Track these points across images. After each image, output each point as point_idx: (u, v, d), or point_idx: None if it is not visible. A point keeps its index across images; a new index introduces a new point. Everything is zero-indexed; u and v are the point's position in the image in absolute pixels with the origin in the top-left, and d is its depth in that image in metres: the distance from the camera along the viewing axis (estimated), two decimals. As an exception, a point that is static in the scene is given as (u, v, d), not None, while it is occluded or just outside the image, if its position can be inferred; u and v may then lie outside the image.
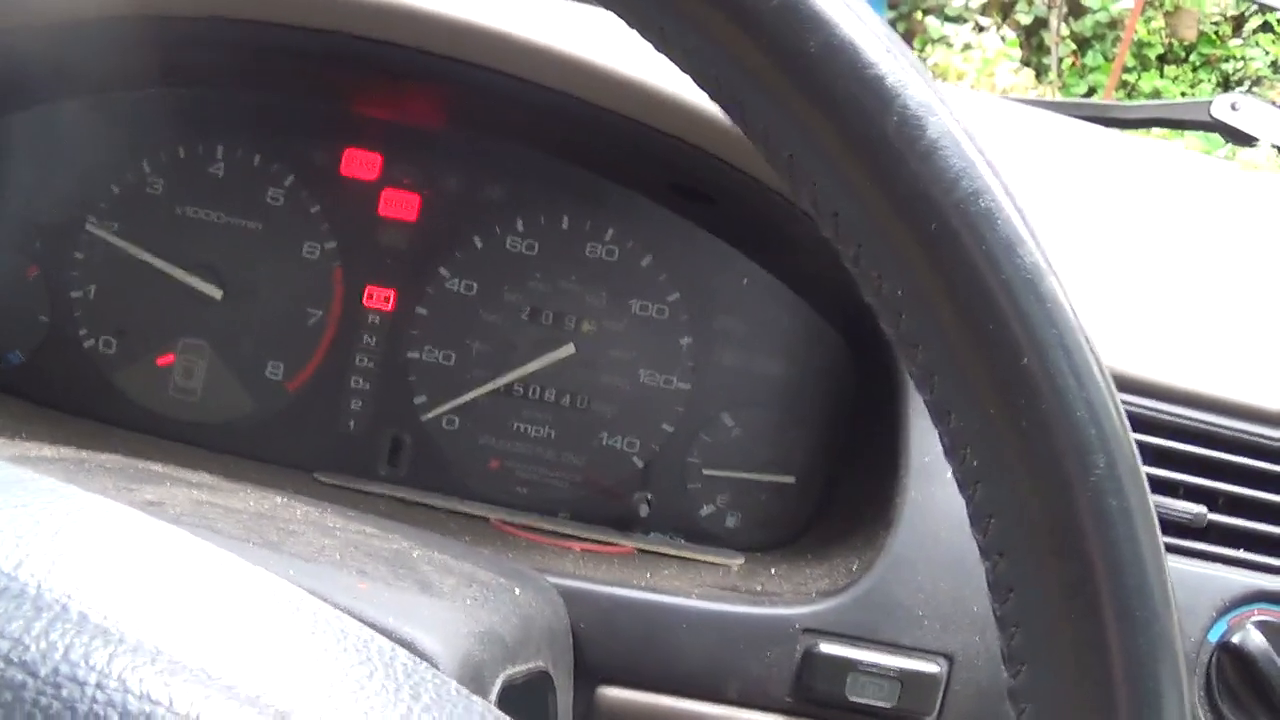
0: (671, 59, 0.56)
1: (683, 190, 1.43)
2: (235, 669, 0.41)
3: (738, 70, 0.53)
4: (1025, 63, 9.46)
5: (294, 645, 0.44)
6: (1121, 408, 0.53)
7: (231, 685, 0.40)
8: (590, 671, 1.20)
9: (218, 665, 0.41)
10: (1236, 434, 1.30)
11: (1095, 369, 0.52)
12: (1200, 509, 1.27)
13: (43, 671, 0.38)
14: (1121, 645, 0.52)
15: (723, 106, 0.56)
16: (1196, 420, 1.29)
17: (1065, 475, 0.51)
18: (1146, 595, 0.52)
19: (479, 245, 1.50)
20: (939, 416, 0.55)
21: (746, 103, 0.54)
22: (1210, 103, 2.04)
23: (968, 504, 0.55)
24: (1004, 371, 0.52)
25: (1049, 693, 0.53)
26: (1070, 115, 1.91)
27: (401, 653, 0.47)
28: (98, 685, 0.38)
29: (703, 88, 0.56)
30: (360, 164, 1.51)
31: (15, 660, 0.38)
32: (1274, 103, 1.97)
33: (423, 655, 0.81)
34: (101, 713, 0.38)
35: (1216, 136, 2.11)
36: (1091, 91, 9.82)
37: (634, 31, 0.56)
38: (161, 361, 1.51)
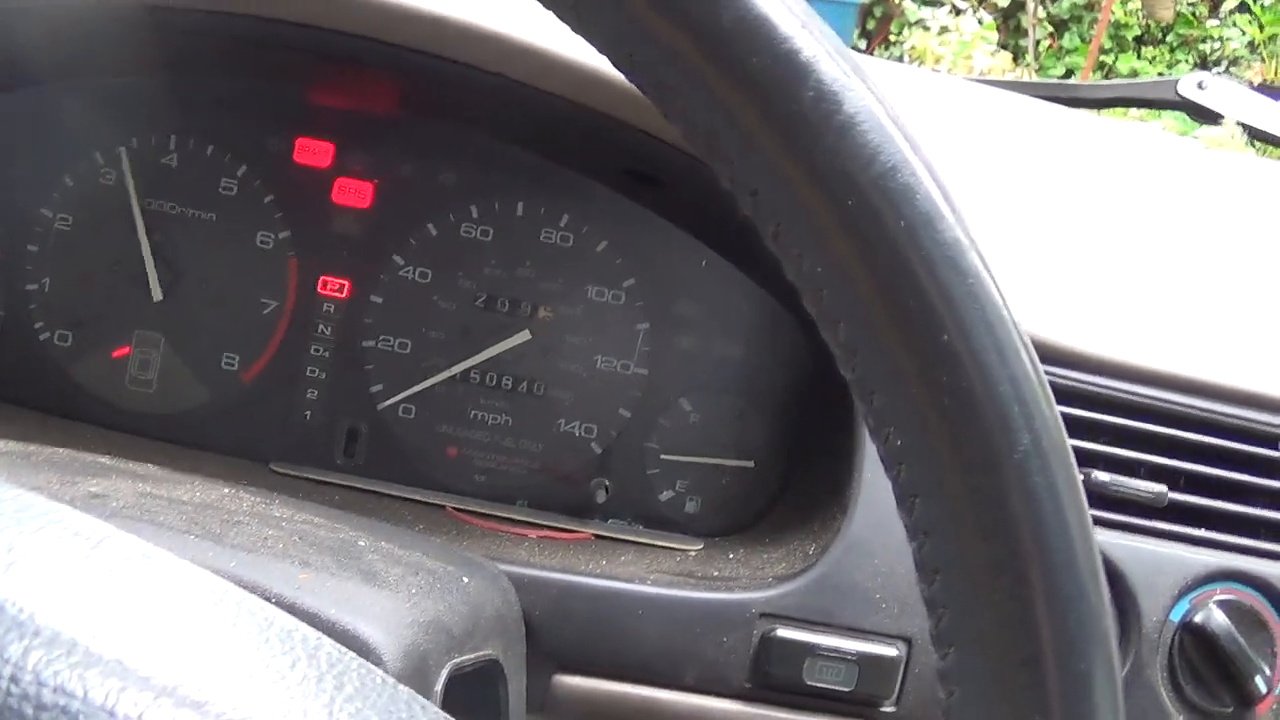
0: (587, 38, 0.55)
1: (635, 175, 1.43)
2: (152, 661, 0.40)
3: (652, 47, 0.52)
4: (1003, 45, 9.47)
5: (213, 636, 0.44)
6: (1046, 383, 0.52)
7: (147, 677, 0.39)
8: (545, 659, 1.20)
9: (134, 657, 0.40)
10: (1197, 412, 1.30)
11: (1018, 344, 0.52)
12: (1161, 488, 1.27)
13: None
14: (1050, 624, 0.51)
15: (639, 86, 0.55)
16: (1156, 399, 1.29)
17: (989, 453, 0.51)
18: (1074, 572, 0.51)
19: (433, 232, 1.49)
20: (863, 396, 0.54)
21: (663, 81, 0.53)
22: (1177, 81, 2.04)
23: (893, 484, 0.55)
24: (925, 348, 0.51)
25: (977, 675, 0.53)
26: (1037, 96, 1.91)
27: (327, 642, 0.47)
28: (12, 679, 0.38)
29: (619, 68, 0.55)
30: (313, 152, 1.50)
31: (-74, 654, 0.37)
32: (1250, 83, 1.97)
33: (363, 645, 0.81)
34: (16, 705, 0.37)
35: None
36: (1069, 73, 9.84)
37: (548, 10, 0.55)
38: (117, 354, 1.50)
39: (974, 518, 0.51)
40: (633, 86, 0.55)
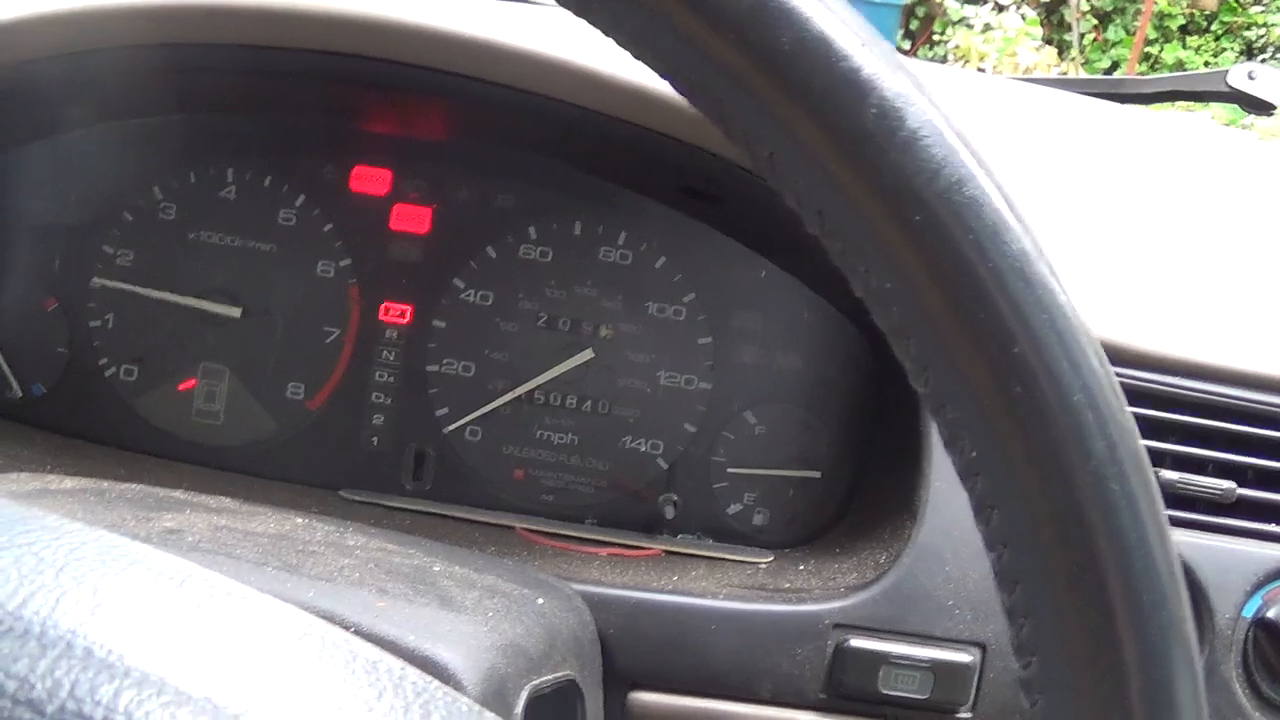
0: (645, 61, 0.55)
1: (692, 191, 1.43)
2: (242, 698, 0.40)
3: (712, 70, 0.52)
4: (1047, 40, 9.44)
5: (300, 670, 0.44)
6: (1119, 390, 0.52)
7: (238, 715, 0.40)
8: (621, 677, 1.20)
9: (224, 695, 0.40)
10: (1263, 407, 1.29)
11: (1090, 352, 0.52)
12: (1229, 484, 1.26)
13: (49, 709, 0.38)
14: (1131, 632, 0.51)
15: (700, 108, 0.55)
16: (1223, 395, 1.28)
17: (1064, 462, 0.51)
18: (1154, 579, 0.51)
19: (492, 255, 1.50)
20: (935, 409, 0.54)
21: (724, 103, 0.54)
22: (1227, 72, 2.02)
23: (970, 496, 0.55)
24: (996, 360, 0.51)
25: (1061, 683, 0.53)
26: (1086, 93, 1.90)
27: (412, 671, 0.47)
28: None
29: (679, 90, 0.55)
30: (370, 180, 1.51)
31: (22, 699, 0.38)
32: (1296, 70, 1.95)
33: (443, 671, 0.81)
34: None
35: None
36: (1114, 66, 9.80)
37: (605, 35, 0.56)
38: (183, 386, 1.52)
39: (1052, 527, 0.51)
40: (687, 105, 0.56)
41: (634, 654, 1.20)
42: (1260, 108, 2.02)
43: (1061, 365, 0.51)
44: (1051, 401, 0.51)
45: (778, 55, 0.51)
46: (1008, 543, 0.53)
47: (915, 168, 0.51)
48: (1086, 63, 9.82)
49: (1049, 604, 0.52)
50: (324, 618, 0.48)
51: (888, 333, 0.54)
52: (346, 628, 0.80)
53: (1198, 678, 0.52)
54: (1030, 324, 0.51)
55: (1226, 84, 2.02)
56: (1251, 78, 2.00)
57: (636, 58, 0.56)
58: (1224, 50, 10.10)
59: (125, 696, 0.39)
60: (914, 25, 9.62)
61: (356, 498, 1.45)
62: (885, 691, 1.19)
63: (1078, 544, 0.51)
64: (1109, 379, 0.52)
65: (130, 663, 0.40)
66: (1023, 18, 9.09)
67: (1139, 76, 2.49)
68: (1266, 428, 1.29)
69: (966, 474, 0.54)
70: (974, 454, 0.53)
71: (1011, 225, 0.51)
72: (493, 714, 0.47)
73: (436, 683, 0.47)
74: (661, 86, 0.56)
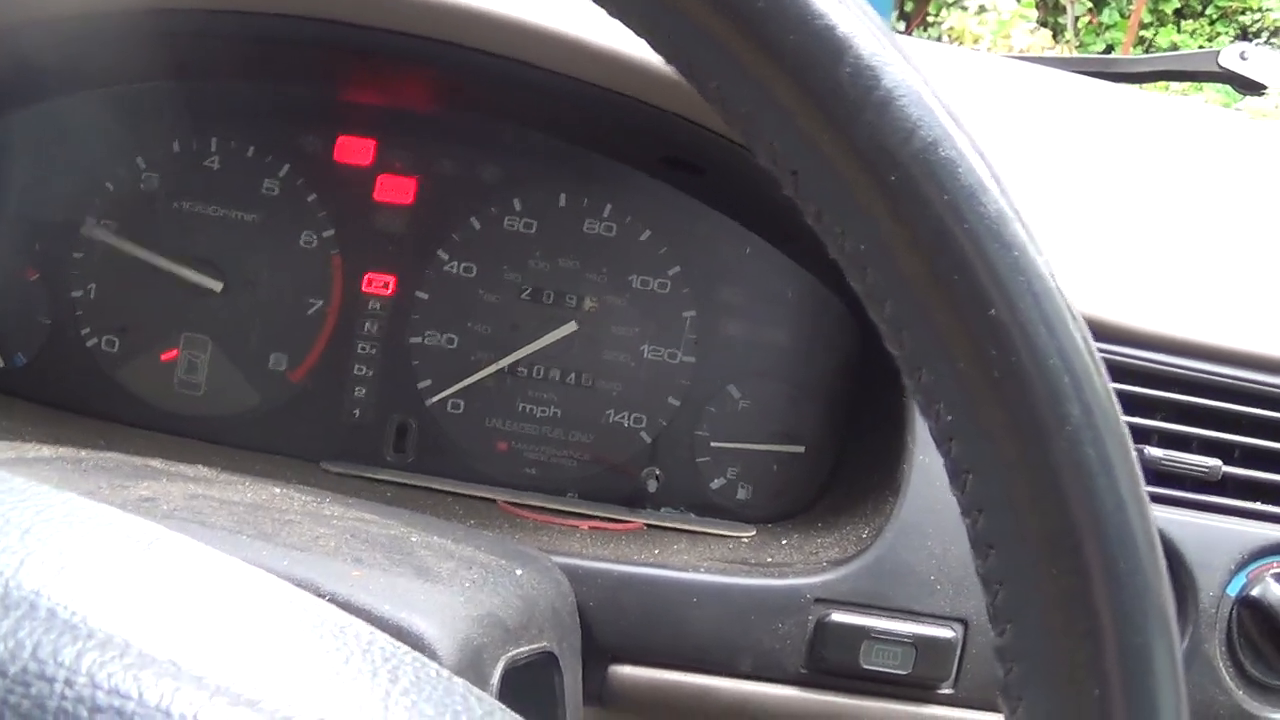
0: (620, 20, 0.55)
1: (675, 162, 1.42)
2: (204, 660, 0.40)
3: (688, 29, 0.52)
4: (1042, 23, 9.43)
5: (266, 634, 0.44)
6: (1097, 354, 0.52)
7: (200, 676, 0.40)
8: (601, 650, 1.20)
9: (187, 657, 0.40)
10: (1251, 385, 1.29)
11: (1067, 315, 0.51)
12: (1215, 462, 1.26)
13: (12, 670, 0.38)
14: (1107, 599, 0.50)
15: (677, 68, 0.55)
16: (1209, 373, 1.28)
17: (1040, 426, 0.50)
18: (1130, 546, 0.51)
19: (477, 226, 1.49)
20: (911, 372, 0.53)
21: (699, 63, 0.53)
22: (1219, 53, 2.02)
23: (945, 461, 0.54)
24: (972, 322, 0.50)
25: (1035, 650, 0.52)
26: (1078, 72, 1.89)
27: (380, 637, 0.47)
28: (66, 682, 0.38)
29: (657, 50, 0.55)
30: (354, 150, 1.50)
31: (-16, 660, 0.37)
32: (1289, 51, 1.95)
33: (418, 640, 0.80)
34: (71, 709, 0.37)
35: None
36: (1109, 49, 9.80)
37: (580, -7, 0.55)
38: (165, 357, 1.51)
39: (1027, 492, 0.51)
40: (668, 71, 0.55)
41: (614, 627, 1.20)
42: (1251, 88, 2.02)
43: (1038, 328, 0.50)
44: (1027, 364, 0.50)
45: (753, 12, 0.50)
46: (983, 508, 0.53)
47: (890, 128, 0.50)
48: (1081, 45, 9.82)
49: (1024, 570, 0.52)
50: (298, 585, 0.48)
51: (862, 295, 0.54)
52: (321, 596, 0.79)
53: (1174, 644, 0.52)
54: (1006, 286, 0.50)
55: (1218, 64, 2.02)
56: (1243, 58, 1.99)
57: (611, 15, 0.55)
58: (1219, 34, 10.10)
59: (88, 658, 0.39)
60: (909, 7, 9.61)
61: (337, 469, 1.45)
62: (866, 666, 1.19)
63: (1053, 509, 0.50)
64: (1086, 343, 0.51)
65: (94, 624, 0.40)
66: (1018, 0, 9.08)
67: (1131, 57, 2.48)
68: (1253, 406, 1.29)
69: (941, 438, 0.54)
70: (949, 418, 0.53)
71: (989, 187, 0.51)
72: (462, 680, 0.46)
73: (405, 648, 0.47)
74: (643, 53, 0.56)
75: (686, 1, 0.51)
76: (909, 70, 0.51)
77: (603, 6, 0.55)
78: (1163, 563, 0.52)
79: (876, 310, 0.54)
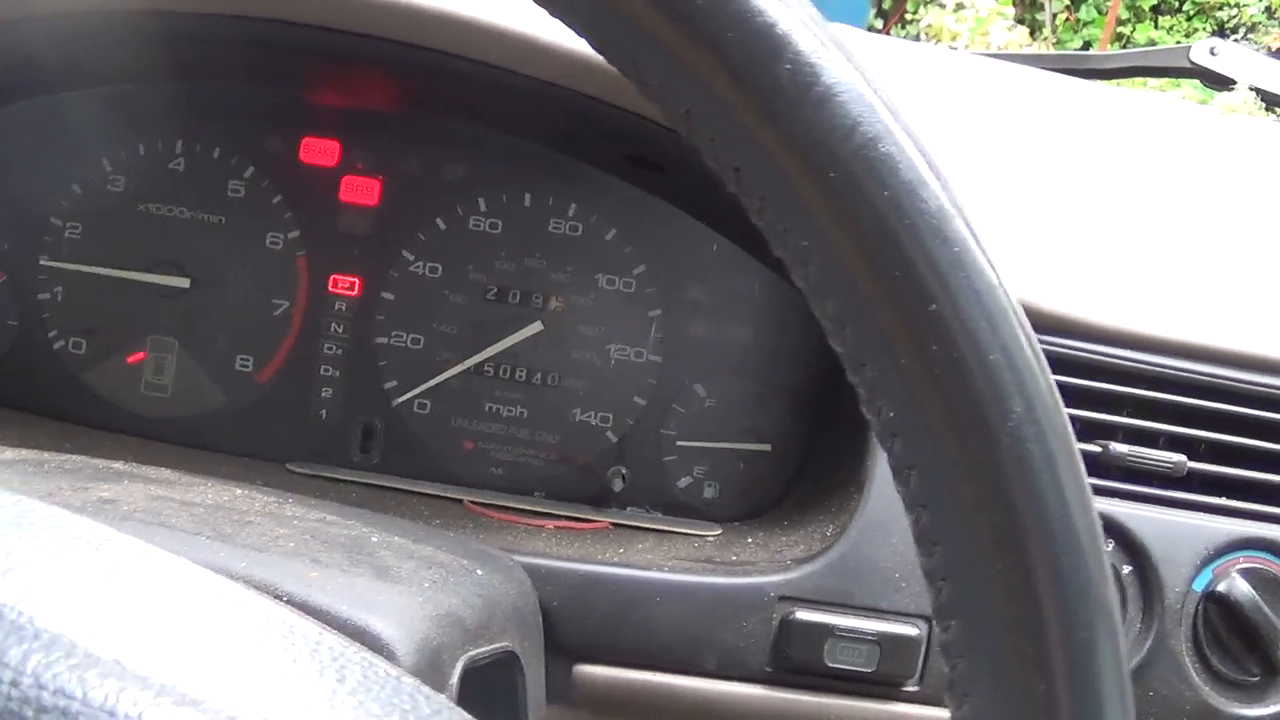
0: (559, 18, 0.55)
1: (637, 160, 1.42)
2: (151, 660, 0.40)
3: (627, 26, 0.52)
4: (1019, 20, 9.44)
5: (212, 634, 0.44)
6: (1040, 351, 0.52)
7: (146, 676, 0.40)
8: (566, 649, 1.20)
9: (132, 657, 0.40)
10: (1216, 381, 1.29)
11: (1009, 311, 0.51)
12: (1180, 457, 1.26)
13: None
14: (1051, 594, 0.51)
15: (619, 67, 0.55)
16: (1173, 368, 1.28)
17: (982, 422, 0.50)
18: (1073, 541, 0.51)
19: (441, 226, 1.49)
20: (854, 368, 0.54)
21: (639, 60, 0.53)
22: (1190, 48, 2.03)
23: (889, 457, 0.54)
24: (914, 318, 0.50)
25: (980, 647, 0.52)
26: (1050, 69, 1.90)
27: (329, 636, 0.47)
28: (12, 682, 0.38)
29: (599, 49, 0.55)
30: (319, 151, 1.50)
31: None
32: (1267, 48, 1.96)
33: (376, 641, 0.80)
34: (16, 709, 0.37)
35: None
36: (1087, 46, 9.82)
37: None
38: (132, 359, 1.51)
39: (970, 488, 0.51)
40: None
41: (579, 626, 1.20)
42: (1221, 83, 2.03)
43: (979, 324, 0.50)
44: (969, 360, 0.50)
45: (692, 9, 0.50)
46: (926, 504, 0.53)
47: (830, 124, 0.50)
48: (1058, 43, 9.83)
49: (967, 566, 0.52)
50: (255, 587, 0.48)
51: (806, 292, 0.54)
52: (278, 597, 0.79)
53: (1119, 638, 0.52)
54: (947, 282, 0.50)
55: (1189, 60, 2.03)
56: (1214, 54, 2.00)
57: (552, 15, 0.55)
58: (1196, 30, 10.12)
59: (34, 659, 0.39)
60: (887, 4, 9.62)
61: (303, 470, 1.44)
62: (831, 664, 1.19)
63: (996, 505, 0.50)
64: (1029, 339, 0.51)
65: (40, 625, 0.40)
66: (995, -2, 9.10)
67: (1103, 53, 2.49)
68: (1219, 401, 1.29)
69: (885, 435, 0.54)
70: (891, 414, 0.53)
71: (929, 183, 0.51)
72: (412, 679, 0.46)
73: (355, 647, 0.47)
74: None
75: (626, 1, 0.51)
76: (849, 67, 0.51)
77: (543, 6, 0.55)
78: (1105, 556, 0.52)
79: (819, 306, 0.54)
